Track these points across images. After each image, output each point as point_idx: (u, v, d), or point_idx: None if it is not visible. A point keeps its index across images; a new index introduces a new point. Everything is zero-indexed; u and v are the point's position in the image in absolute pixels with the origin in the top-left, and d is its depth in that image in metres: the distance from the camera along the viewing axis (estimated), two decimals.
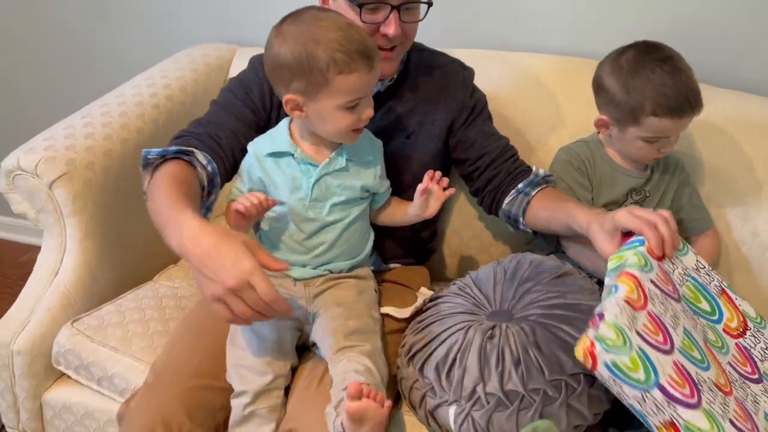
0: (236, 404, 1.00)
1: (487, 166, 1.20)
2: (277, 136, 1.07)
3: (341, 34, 0.94)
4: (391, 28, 1.05)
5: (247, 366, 1.00)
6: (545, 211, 1.13)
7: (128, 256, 1.37)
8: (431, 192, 1.08)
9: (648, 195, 1.25)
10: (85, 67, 1.88)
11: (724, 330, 0.98)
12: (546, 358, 0.93)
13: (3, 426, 1.37)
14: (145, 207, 1.38)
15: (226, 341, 1.04)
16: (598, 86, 1.18)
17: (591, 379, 0.92)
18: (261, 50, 1.60)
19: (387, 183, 1.15)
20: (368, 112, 1.00)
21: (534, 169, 1.19)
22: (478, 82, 1.27)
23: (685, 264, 0.99)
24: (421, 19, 1.11)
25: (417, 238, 1.28)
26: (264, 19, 1.67)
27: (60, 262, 1.25)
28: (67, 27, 1.84)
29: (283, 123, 1.09)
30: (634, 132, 1.15)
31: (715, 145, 1.32)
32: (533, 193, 1.16)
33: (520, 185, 1.17)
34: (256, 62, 1.19)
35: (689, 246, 1.02)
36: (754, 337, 1.00)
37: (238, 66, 1.61)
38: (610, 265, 0.92)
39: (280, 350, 1.02)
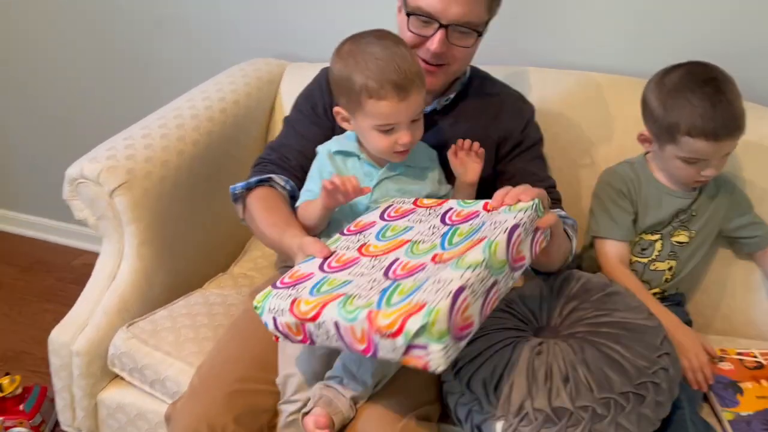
0: (285, 410, 1.03)
1: None
2: (345, 138, 1.13)
3: (380, 63, 0.99)
4: (434, 45, 1.07)
5: (297, 375, 1.02)
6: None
7: (181, 263, 1.41)
8: (465, 160, 1.12)
9: (695, 214, 1.24)
10: (141, 80, 1.94)
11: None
12: (594, 376, 0.94)
13: (57, 424, 1.43)
14: (197, 216, 1.45)
15: (269, 348, 1.06)
16: (643, 102, 1.20)
17: (640, 398, 0.92)
18: (310, 65, 1.67)
19: (447, 187, 1.17)
20: (404, 138, 1.02)
21: (554, 210, 1.17)
22: (529, 98, 1.28)
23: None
24: (470, 47, 1.11)
25: None
26: (313, 35, 1.74)
27: (117, 268, 1.30)
28: (125, 42, 1.92)
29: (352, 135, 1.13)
30: (671, 151, 1.16)
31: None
32: None
33: None
34: (321, 76, 1.26)
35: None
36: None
37: (289, 80, 1.66)
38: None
39: (330, 362, 1.04)
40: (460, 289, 0.78)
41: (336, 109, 1.08)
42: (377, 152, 1.08)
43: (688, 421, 1.02)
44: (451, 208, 1.01)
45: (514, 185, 1.16)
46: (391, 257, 0.91)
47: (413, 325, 0.76)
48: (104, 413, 1.27)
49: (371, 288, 0.83)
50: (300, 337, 0.88)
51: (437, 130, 1.20)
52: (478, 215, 0.97)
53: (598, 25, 1.50)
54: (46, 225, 2.33)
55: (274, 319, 0.89)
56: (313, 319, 0.84)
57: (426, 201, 1.06)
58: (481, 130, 1.20)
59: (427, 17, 1.06)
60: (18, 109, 2.15)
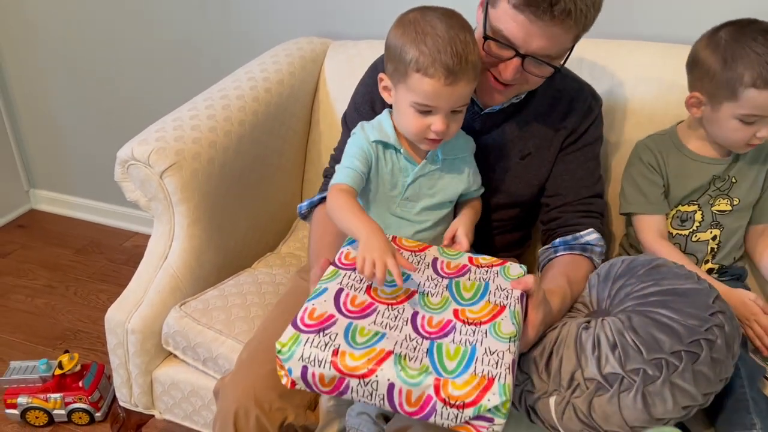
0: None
1: (557, 207, 1.18)
2: (384, 127, 1.06)
3: (439, 41, 0.93)
4: (507, 72, 1.01)
5: None
6: (546, 274, 1.13)
7: (230, 243, 1.43)
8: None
9: (735, 181, 1.20)
10: (188, 61, 1.96)
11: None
12: (642, 339, 0.91)
13: (114, 400, 1.47)
14: (245, 195, 1.46)
15: None
16: (693, 62, 1.14)
17: (694, 356, 0.89)
18: (353, 43, 1.66)
19: (479, 181, 1.13)
20: (437, 125, 0.96)
21: (585, 231, 1.15)
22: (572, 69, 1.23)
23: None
24: (544, 77, 1.05)
25: (506, 240, 1.27)
26: (355, 13, 1.72)
27: (169, 248, 1.32)
28: (170, 25, 1.93)
29: (386, 115, 1.07)
30: (729, 109, 1.10)
31: None
32: (557, 255, 1.15)
33: (558, 240, 1.16)
34: (379, 64, 1.19)
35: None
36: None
37: (332, 58, 1.64)
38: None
39: None
40: (513, 362, 0.82)
41: (381, 75, 1.02)
42: (408, 133, 1.02)
43: (749, 399, 0.99)
44: (436, 258, 0.98)
45: (556, 184, 1.17)
46: (408, 309, 0.88)
47: (491, 401, 0.77)
48: (159, 390, 1.30)
49: (414, 348, 0.82)
50: (328, 389, 0.82)
51: (504, 129, 1.16)
52: (468, 269, 0.97)
53: None
54: (98, 208, 2.40)
55: (305, 369, 0.81)
56: (364, 376, 0.79)
57: (404, 242, 1.00)
58: (550, 126, 1.16)
59: (505, 43, 0.99)
60: (69, 94, 2.20)
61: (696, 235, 1.22)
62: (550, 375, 0.95)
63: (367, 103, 1.19)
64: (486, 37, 1.00)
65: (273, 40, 1.73)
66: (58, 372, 1.58)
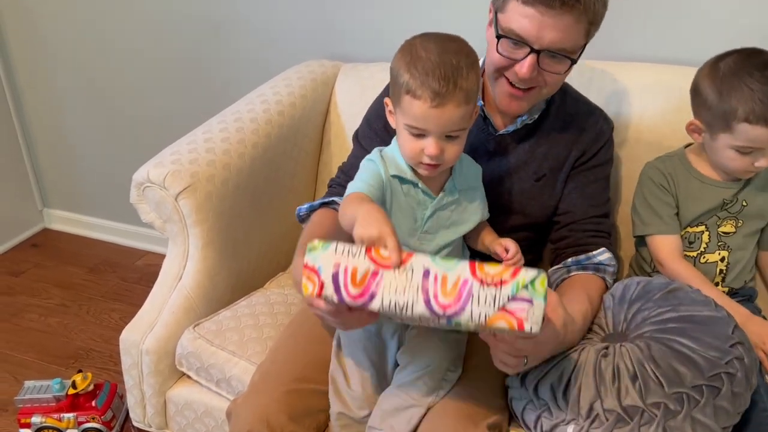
0: (332, 417, 1.05)
1: (565, 225, 1.18)
2: (398, 162, 1.02)
3: (429, 64, 0.91)
4: (523, 69, 1.00)
5: (348, 392, 1.05)
6: (565, 294, 1.10)
7: (243, 263, 1.44)
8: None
9: (745, 204, 1.20)
10: (202, 83, 1.99)
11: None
12: (663, 371, 0.92)
13: (127, 419, 1.48)
14: (258, 216, 1.48)
15: (327, 348, 1.09)
16: (694, 89, 1.16)
17: (715, 390, 0.89)
18: (364, 66, 1.68)
19: (486, 207, 1.12)
20: (429, 149, 0.94)
21: (597, 251, 1.15)
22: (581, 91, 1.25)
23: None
24: (561, 73, 1.04)
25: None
26: (365, 36, 1.75)
27: (183, 269, 1.34)
28: (186, 49, 1.96)
29: (395, 146, 1.04)
30: (725, 140, 1.12)
31: None
32: (571, 275, 1.16)
33: (570, 260, 1.16)
34: (384, 91, 1.23)
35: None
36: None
37: (343, 81, 1.67)
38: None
39: (380, 385, 1.05)
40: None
41: (386, 99, 1.02)
42: (404, 156, 0.99)
43: None
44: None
45: (566, 203, 1.18)
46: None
47: (528, 274, 0.76)
48: (173, 410, 1.31)
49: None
50: (357, 291, 0.79)
51: (518, 151, 1.17)
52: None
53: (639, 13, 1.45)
54: (111, 227, 2.42)
55: (337, 265, 0.79)
56: (400, 264, 0.78)
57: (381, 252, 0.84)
58: (562, 148, 1.17)
59: (519, 40, 0.99)
60: (84, 114, 2.23)
61: (704, 257, 1.23)
62: (568, 403, 0.95)
63: (380, 118, 1.17)
64: (499, 36, 1.00)
65: (285, 63, 1.75)
66: (71, 391, 1.59)
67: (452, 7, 1.59)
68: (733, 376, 0.91)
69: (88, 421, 1.60)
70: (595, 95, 1.38)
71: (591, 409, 0.92)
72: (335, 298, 0.81)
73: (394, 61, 0.97)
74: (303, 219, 1.23)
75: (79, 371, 1.63)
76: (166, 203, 1.30)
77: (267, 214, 1.50)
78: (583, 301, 1.06)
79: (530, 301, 0.77)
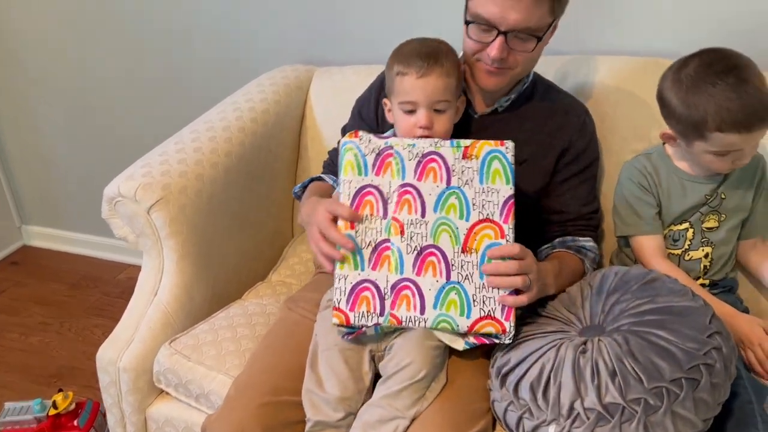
0: (308, 425, 1.04)
1: (559, 222, 1.21)
2: None
3: (413, 47, 1.06)
4: (493, 50, 1.06)
5: (322, 397, 1.03)
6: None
7: (221, 274, 1.42)
8: None
9: (724, 197, 1.19)
10: (178, 92, 1.96)
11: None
12: (642, 366, 0.91)
13: None
14: (234, 226, 1.46)
15: (303, 359, 1.07)
16: (659, 99, 1.15)
17: (694, 383, 0.88)
18: (338, 69, 1.66)
19: None
20: (420, 120, 1.05)
21: (583, 238, 1.20)
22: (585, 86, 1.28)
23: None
24: (531, 51, 1.08)
25: None
26: (340, 39, 1.73)
27: (159, 283, 1.31)
28: (160, 57, 1.94)
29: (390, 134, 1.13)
30: (701, 146, 1.11)
31: None
32: (554, 251, 1.20)
33: (557, 240, 1.21)
34: (376, 80, 1.30)
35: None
36: None
37: (317, 85, 1.65)
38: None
39: (356, 387, 1.04)
40: None
41: (384, 100, 1.13)
42: (402, 135, 1.09)
43: (757, 415, 0.97)
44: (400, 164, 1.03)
45: (559, 203, 1.21)
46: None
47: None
48: (153, 427, 1.29)
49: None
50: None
51: (497, 131, 1.17)
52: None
53: (657, 8, 1.45)
54: (91, 241, 2.39)
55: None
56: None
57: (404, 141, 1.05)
58: (545, 136, 1.19)
59: (486, 24, 1.05)
60: (60, 128, 2.20)
61: (689, 254, 1.22)
62: (549, 403, 0.94)
63: (357, 107, 1.30)
64: (467, 22, 1.08)
65: (263, 67, 1.73)
66: (52, 412, 1.56)
67: (427, 9, 1.57)
68: (712, 367, 0.90)
69: None
70: (570, 88, 1.37)
71: (572, 408, 0.91)
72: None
73: (387, 63, 1.10)
74: (299, 196, 1.33)
75: (60, 390, 1.60)
76: (138, 217, 1.28)
77: (243, 222, 1.48)
78: (553, 263, 1.12)
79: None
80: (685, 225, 1.21)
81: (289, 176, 1.65)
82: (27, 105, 2.19)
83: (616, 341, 0.95)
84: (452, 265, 1.00)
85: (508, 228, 1.01)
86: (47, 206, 2.40)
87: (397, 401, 0.99)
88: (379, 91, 1.25)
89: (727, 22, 1.40)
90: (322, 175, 1.31)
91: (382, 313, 1.00)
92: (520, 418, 0.96)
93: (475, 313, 0.99)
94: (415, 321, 0.99)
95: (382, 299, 1.00)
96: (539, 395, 0.95)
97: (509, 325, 0.99)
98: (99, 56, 2.01)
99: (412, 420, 0.99)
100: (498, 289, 0.99)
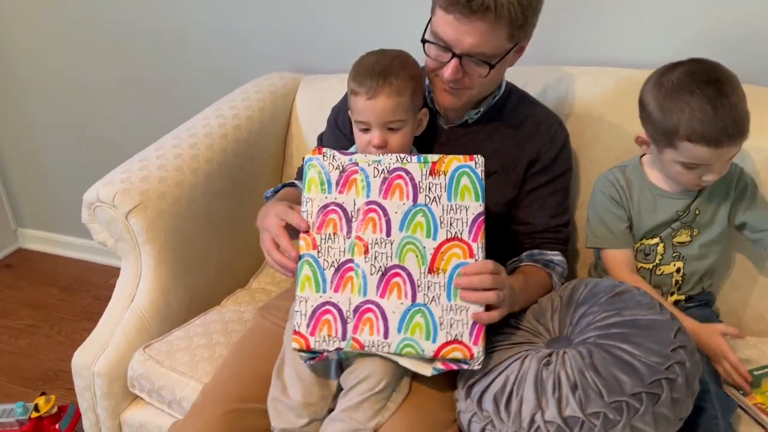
0: None
1: (526, 234, 1.19)
2: None
3: (365, 66, 1.05)
4: (447, 71, 1.05)
5: (286, 403, 1.03)
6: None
7: (199, 281, 1.42)
8: None
9: (698, 212, 1.18)
10: (170, 99, 1.98)
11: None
12: (604, 380, 0.90)
13: None
14: (215, 233, 1.46)
15: (272, 367, 1.07)
16: (640, 101, 1.14)
17: (654, 397, 0.88)
18: (325, 77, 1.67)
19: None
20: (373, 140, 1.04)
21: (551, 252, 1.18)
22: (566, 98, 1.27)
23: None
24: (484, 77, 1.06)
25: None
26: (329, 48, 1.74)
27: (136, 288, 1.32)
28: (151, 64, 1.95)
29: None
30: (670, 155, 1.10)
31: None
32: (521, 265, 1.18)
33: (524, 254, 1.19)
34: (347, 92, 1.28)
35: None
36: None
37: (304, 93, 1.65)
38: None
39: (321, 393, 1.04)
40: None
41: (350, 111, 1.11)
42: (359, 152, 1.08)
43: (722, 431, 0.97)
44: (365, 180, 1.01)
45: (526, 213, 1.19)
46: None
47: None
48: None
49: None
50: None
51: (467, 143, 1.18)
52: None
53: (610, 17, 1.45)
54: (85, 245, 2.40)
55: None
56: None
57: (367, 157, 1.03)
58: (513, 149, 1.18)
59: (443, 45, 1.04)
60: (54, 133, 2.22)
61: (660, 269, 1.21)
62: (510, 415, 0.94)
63: (332, 115, 1.30)
64: (424, 41, 1.07)
65: (252, 75, 1.74)
66: (34, 415, 1.57)
67: (414, 19, 1.56)
68: (674, 382, 0.89)
69: None
70: (552, 99, 1.37)
71: (532, 420, 0.91)
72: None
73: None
74: (268, 198, 1.31)
75: (42, 394, 1.61)
76: (116, 222, 1.29)
77: (225, 229, 1.49)
78: (518, 278, 1.11)
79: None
80: (656, 240, 1.20)
81: (273, 184, 1.64)
82: (22, 110, 2.21)
83: (580, 354, 0.94)
84: (418, 286, 0.96)
85: (478, 247, 0.98)
86: (43, 210, 2.41)
87: (358, 413, 0.98)
88: None
89: (712, 33, 1.39)
90: (295, 182, 1.31)
91: (344, 338, 0.96)
92: (482, 430, 0.96)
93: (442, 337, 0.96)
94: (378, 346, 0.96)
95: (344, 323, 0.96)
96: (502, 407, 0.94)
97: (477, 350, 0.96)
98: (92, 62, 2.03)
99: (375, 431, 0.99)
100: (467, 309, 0.95)
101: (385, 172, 1.00)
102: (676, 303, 1.21)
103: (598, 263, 1.28)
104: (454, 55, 1.03)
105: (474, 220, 0.98)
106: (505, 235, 1.22)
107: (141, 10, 1.88)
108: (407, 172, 0.99)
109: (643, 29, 1.45)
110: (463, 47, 1.02)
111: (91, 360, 1.26)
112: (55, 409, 1.60)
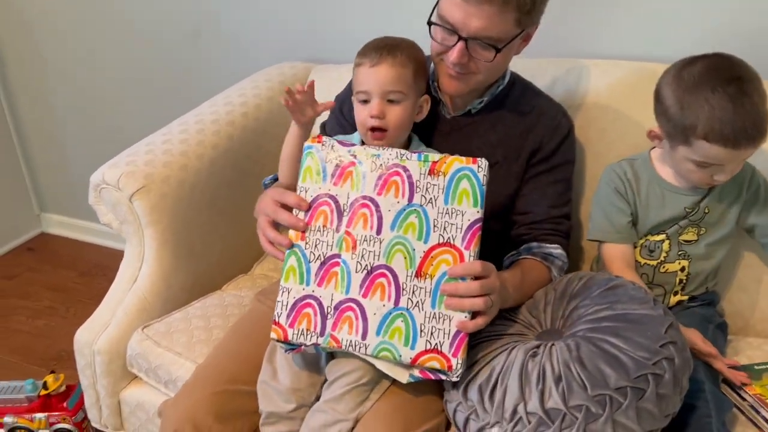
0: (262, 417, 1.04)
1: (525, 224, 1.17)
2: (356, 140, 1.11)
3: (372, 42, 1.06)
4: (453, 55, 1.04)
5: (274, 387, 1.03)
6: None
7: (202, 265, 1.44)
8: None
9: (707, 211, 1.15)
10: (184, 88, 2.00)
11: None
12: (588, 373, 0.89)
13: (85, 417, 1.49)
14: (219, 218, 1.47)
15: (263, 351, 1.07)
16: (656, 94, 1.11)
17: (639, 392, 0.86)
18: (335, 67, 1.67)
19: None
20: (372, 110, 1.03)
21: (551, 245, 1.15)
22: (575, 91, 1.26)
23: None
24: (490, 61, 1.05)
25: None
26: (340, 37, 1.74)
27: (138, 270, 1.34)
28: (167, 54, 1.98)
29: (357, 135, 1.12)
30: (683, 152, 1.06)
31: None
32: (519, 258, 1.16)
33: (523, 246, 1.16)
34: (351, 80, 1.27)
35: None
36: None
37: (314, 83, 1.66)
38: None
39: (310, 380, 1.04)
40: None
41: (353, 96, 1.10)
42: (357, 126, 1.08)
43: (714, 430, 0.94)
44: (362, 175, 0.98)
45: (526, 203, 1.17)
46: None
47: None
48: (126, 411, 1.31)
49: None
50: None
51: (470, 133, 1.17)
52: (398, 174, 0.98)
53: (653, 11, 1.41)
54: (106, 231, 2.41)
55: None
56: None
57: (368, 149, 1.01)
58: (516, 139, 1.16)
59: (449, 28, 1.04)
60: (78, 119, 2.27)
61: (664, 266, 1.18)
62: (494, 405, 0.93)
63: (337, 102, 1.29)
64: (430, 23, 1.06)
65: (264, 65, 1.75)
66: (43, 392, 1.61)
67: (426, 7, 1.57)
68: (661, 377, 0.87)
69: (59, 422, 1.61)
70: (560, 92, 1.35)
71: (515, 411, 0.90)
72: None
73: None
74: (267, 185, 1.30)
75: (52, 372, 1.64)
76: (121, 204, 1.31)
77: (229, 216, 1.50)
78: (515, 273, 1.09)
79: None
80: (662, 236, 1.17)
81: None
82: (46, 95, 2.27)
83: (567, 346, 0.93)
84: (403, 289, 0.94)
85: (469, 255, 0.94)
86: (65, 195, 2.47)
87: (340, 404, 0.99)
88: None
89: (729, 27, 1.35)
90: None
91: (322, 333, 0.95)
92: (467, 419, 0.95)
93: (421, 345, 0.93)
94: (355, 346, 0.95)
95: (324, 318, 0.95)
96: (486, 397, 0.94)
97: (457, 361, 0.93)
98: (113, 52, 2.07)
99: (356, 421, 0.99)
100: (450, 319, 0.93)
101: (383, 167, 0.96)
102: (679, 303, 1.19)
103: (600, 257, 1.26)
104: (460, 38, 1.03)
105: (469, 227, 0.94)
106: (504, 226, 1.21)
107: (157, 2, 1.91)
108: (405, 170, 0.96)
109: (655, 21, 1.42)
110: (470, 30, 1.01)
111: (93, 338, 1.29)
112: (64, 388, 1.63)
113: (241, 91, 1.58)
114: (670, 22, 1.40)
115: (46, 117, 2.32)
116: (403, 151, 0.98)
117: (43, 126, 2.34)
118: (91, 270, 2.34)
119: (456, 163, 0.96)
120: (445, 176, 0.95)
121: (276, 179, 1.28)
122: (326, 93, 1.60)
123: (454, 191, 0.95)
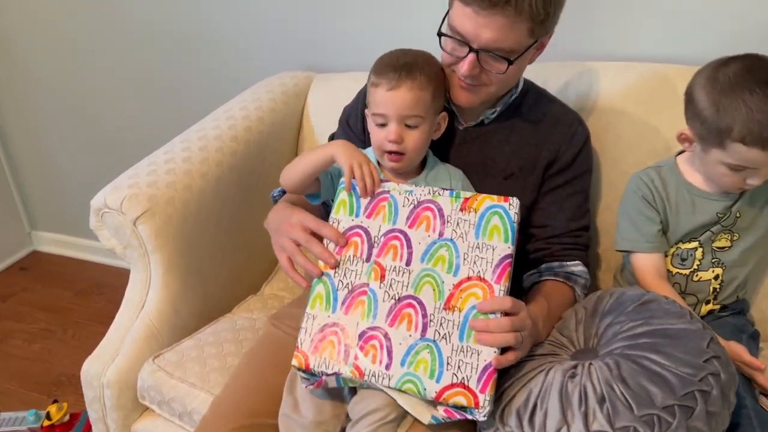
0: None
1: (544, 238, 1.14)
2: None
3: (388, 59, 1.02)
4: (463, 68, 1.01)
5: (297, 421, 0.98)
6: (529, 298, 1.10)
7: (210, 287, 1.39)
8: None
9: (739, 215, 1.12)
10: (182, 99, 1.94)
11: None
12: (632, 392, 0.85)
13: None
14: (226, 237, 1.42)
15: (284, 379, 1.03)
16: (688, 95, 1.07)
17: (688, 410, 0.82)
18: (336, 76, 1.63)
19: None
20: (389, 134, 1.00)
21: (571, 263, 1.12)
22: (587, 95, 1.21)
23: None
24: (502, 73, 1.01)
25: None
26: (340, 45, 1.69)
27: (146, 296, 1.29)
28: (162, 65, 1.92)
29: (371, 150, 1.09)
30: (717, 155, 1.03)
31: None
32: (541, 279, 1.12)
33: (543, 266, 1.13)
34: (361, 89, 1.26)
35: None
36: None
37: (316, 92, 1.61)
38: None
39: (333, 411, 0.99)
40: None
41: (366, 110, 1.08)
42: (374, 148, 1.05)
43: None
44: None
45: (543, 216, 1.14)
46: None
47: None
48: None
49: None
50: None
51: (484, 144, 1.14)
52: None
53: (668, 12, 1.38)
54: (99, 247, 2.36)
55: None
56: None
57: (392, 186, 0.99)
58: (531, 149, 1.13)
59: (460, 39, 1.00)
60: (67, 134, 2.20)
61: (697, 275, 1.14)
62: (534, 430, 0.89)
63: (344, 115, 1.26)
64: (440, 34, 1.03)
65: (263, 74, 1.70)
66: (46, 423, 1.56)
67: (428, 16, 1.52)
68: (708, 394, 0.83)
69: None
70: (573, 96, 1.32)
71: None
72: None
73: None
74: (276, 200, 1.25)
75: (55, 401, 1.59)
76: (124, 229, 1.25)
77: (236, 234, 1.45)
78: (541, 304, 1.05)
79: None
80: (695, 244, 1.13)
81: None
82: (35, 111, 2.20)
83: (606, 365, 0.89)
84: (430, 321, 0.91)
85: (500, 289, 0.92)
86: (57, 212, 2.40)
87: None
88: (364, 100, 1.21)
89: (746, 28, 1.32)
90: None
91: (345, 362, 0.91)
92: None
93: (447, 378, 0.89)
94: (378, 376, 0.90)
95: (347, 347, 0.92)
96: (525, 422, 0.89)
97: (484, 398, 0.88)
98: (104, 64, 2.00)
99: None
100: (479, 353, 0.89)
101: (415, 202, 0.97)
102: (710, 312, 1.16)
103: (625, 268, 1.22)
104: (471, 49, 0.99)
105: (500, 262, 0.93)
106: (522, 241, 1.17)
107: (152, 11, 1.85)
108: (437, 205, 0.97)
109: (670, 22, 1.38)
110: (481, 42, 0.98)
111: (100, 370, 1.23)
112: (67, 417, 1.58)
113: (242, 105, 1.52)
114: (684, 23, 1.37)
115: (34, 132, 2.25)
116: (435, 189, 0.98)
117: (32, 141, 2.27)
118: (86, 289, 2.28)
119: (487, 201, 0.97)
120: (476, 212, 0.96)
121: (284, 192, 1.23)
122: (329, 101, 1.56)
123: (485, 227, 0.95)
